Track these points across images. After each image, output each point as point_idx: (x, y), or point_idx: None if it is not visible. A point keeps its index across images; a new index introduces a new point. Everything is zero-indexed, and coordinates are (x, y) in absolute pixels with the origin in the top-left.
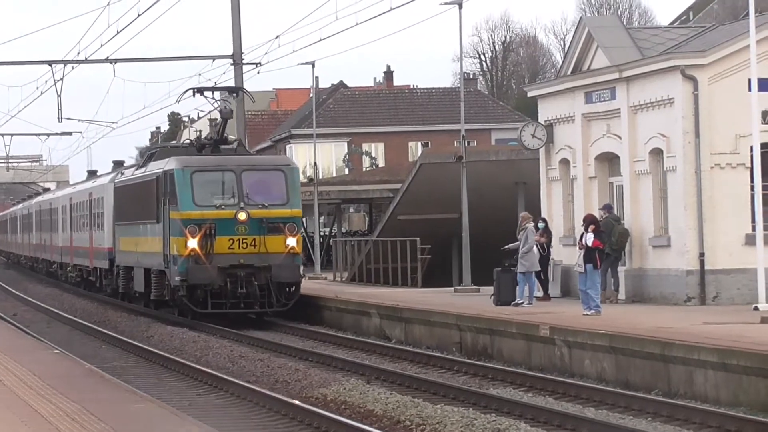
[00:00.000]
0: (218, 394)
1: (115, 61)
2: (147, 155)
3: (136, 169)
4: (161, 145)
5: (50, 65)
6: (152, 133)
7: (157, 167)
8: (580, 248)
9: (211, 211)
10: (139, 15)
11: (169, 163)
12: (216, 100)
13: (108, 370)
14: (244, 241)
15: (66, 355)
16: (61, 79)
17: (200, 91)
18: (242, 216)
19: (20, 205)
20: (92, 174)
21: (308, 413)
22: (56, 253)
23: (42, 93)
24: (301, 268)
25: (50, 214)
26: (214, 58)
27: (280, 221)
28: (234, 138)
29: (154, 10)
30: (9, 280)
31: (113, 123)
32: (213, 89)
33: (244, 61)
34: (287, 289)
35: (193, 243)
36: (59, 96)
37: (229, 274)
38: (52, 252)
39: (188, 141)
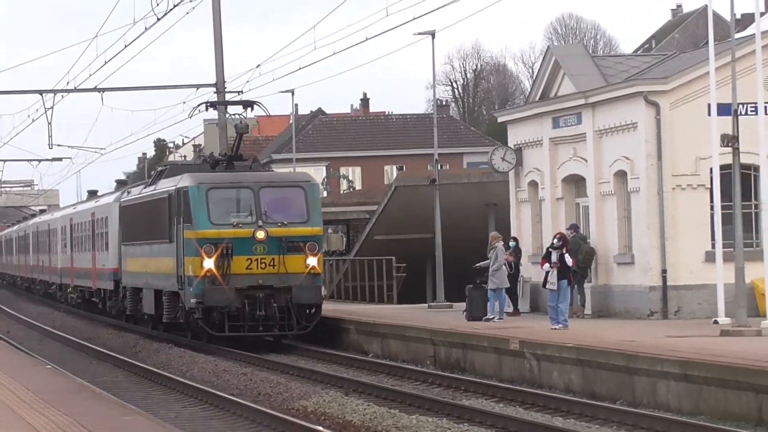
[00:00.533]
0: (203, 406)
1: (103, 90)
2: (156, 172)
3: (145, 187)
4: (171, 162)
5: (41, 94)
6: (139, 158)
7: (168, 185)
8: (552, 266)
9: (228, 230)
10: (125, 46)
11: (182, 180)
12: (230, 115)
13: (98, 384)
14: (263, 260)
15: (58, 370)
16: (52, 108)
17: (213, 105)
18: (261, 235)
19: (15, 227)
20: (93, 194)
21: (289, 424)
22: (55, 274)
23: (33, 121)
24: (322, 288)
25: (48, 235)
26: (197, 86)
27: (300, 240)
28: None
29: (141, 41)
30: (2, 300)
31: (102, 149)
32: (227, 103)
33: (226, 90)
34: (308, 310)
35: (209, 263)
36: (50, 123)
37: (247, 295)
38: (51, 273)
39: (202, 157)
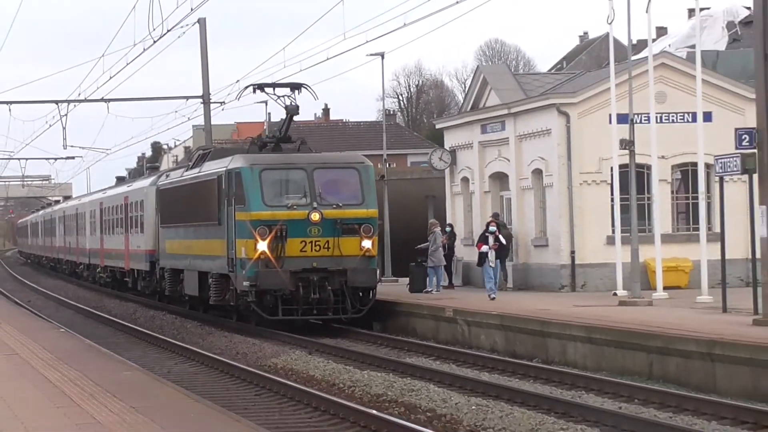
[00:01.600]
0: (191, 363)
1: (109, 100)
2: (198, 156)
3: (186, 170)
4: (214, 145)
5: (57, 104)
6: (138, 158)
7: (217, 166)
8: (491, 248)
9: (282, 212)
10: (127, 64)
11: (233, 162)
12: (278, 96)
13: (104, 345)
14: (317, 243)
15: (70, 333)
16: (66, 115)
17: (261, 87)
18: (315, 217)
19: (40, 212)
20: (121, 180)
21: (261, 378)
22: (83, 255)
23: (50, 126)
24: (378, 272)
25: (75, 219)
26: (187, 98)
27: (355, 222)
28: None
29: (140, 59)
30: (24, 275)
31: (107, 149)
32: (274, 85)
33: (211, 101)
34: (362, 294)
35: (263, 246)
36: (64, 128)
37: (301, 278)
38: (78, 254)
39: (249, 138)
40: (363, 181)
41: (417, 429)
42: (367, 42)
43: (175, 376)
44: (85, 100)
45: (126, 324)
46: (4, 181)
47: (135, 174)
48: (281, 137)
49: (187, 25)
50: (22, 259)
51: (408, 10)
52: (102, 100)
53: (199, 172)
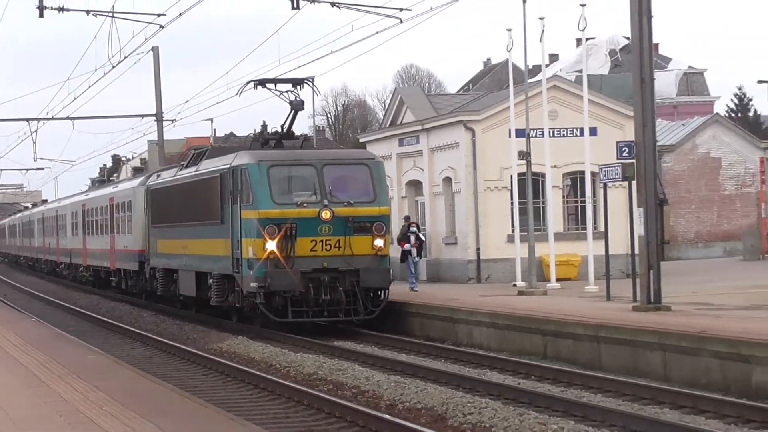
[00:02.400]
0: (147, 347)
1: (74, 118)
2: (194, 155)
3: (180, 170)
4: (214, 147)
5: (28, 121)
6: (100, 168)
7: (218, 164)
8: (413, 245)
9: (292, 210)
10: (89, 86)
11: (238, 158)
12: (280, 93)
13: (71, 333)
14: (328, 242)
15: (41, 322)
16: (36, 131)
17: (262, 83)
18: (326, 215)
19: (18, 215)
20: (102, 182)
21: (208, 360)
22: (63, 255)
23: (22, 140)
24: (390, 271)
25: (55, 220)
26: (142, 116)
27: (367, 220)
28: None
29: (101, 82)
30: (2, 272)
31: (73, 161)
32: (275, 81)
33: (163, 118)
34: (374, 294)
35: (272, 245)
36: (34, 143)
37: (312, 279)
38: (58, 254)
39: (251, 134)
40: (374, 178)
41: (343, 404)
42: (300, 66)
43: (132, 359)
44: (53, 119)
45: (90, 314)
46: None
47: (97, 182)
48: (284, 134)
49: (142, 52)
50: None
51: (335, 38)
52: (68, 118)
53: (196, 171)
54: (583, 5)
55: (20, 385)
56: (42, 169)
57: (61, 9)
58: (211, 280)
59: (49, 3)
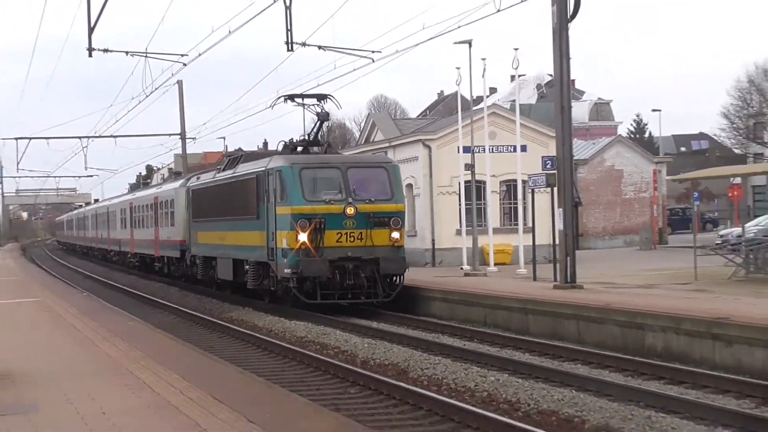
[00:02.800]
0: (173, 316)
1: (116, 136)
2: (230, 160)
3: (218, 173)
4: (247, 152)
5: (80, 139)
6: (137, 176)
7: (254, 167)
8: None
9: (320, 206)
10: (128, 111)
11: (273, 162)
12: (308, 106)
13: (114, 305)
14: (352, 234)
15: (91, 296)
16: (86, 146)
17: (291, 97)
18: (350, 210)
19: (74, 212)
20: (145, 185)
21: (221, 326)
22: (113, 244)
23: (75, 154)
24: (406, 259)
25: (106, 216)
26: (169, 135)
27: (385, 216)
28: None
29: (137, 108)
30: (60, 257)
31: (115, 170)
32: (302, 96)
33: (186, 137)
34: (392, 280)
35: (303, 237)
36: (85, 155)
37: (338, 266)
38: (109, 243)
39: (282, 142)
40: (391, 179)
41: (327, 360)
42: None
43: (162, 325)
44: (99, 136)
45: (130, 290)
46: (44, 192)
47: (134, 188)
48: (311, 141)
49: (169, 85)
50: (59, 246)
51: (321, 74)
52: (111, 136)
53: (233, 173)
54: (516, 49)
55: (75, 345)
56: (91, 176)
57: (105, 50)
58: (247, 267)
59: (96, 45)
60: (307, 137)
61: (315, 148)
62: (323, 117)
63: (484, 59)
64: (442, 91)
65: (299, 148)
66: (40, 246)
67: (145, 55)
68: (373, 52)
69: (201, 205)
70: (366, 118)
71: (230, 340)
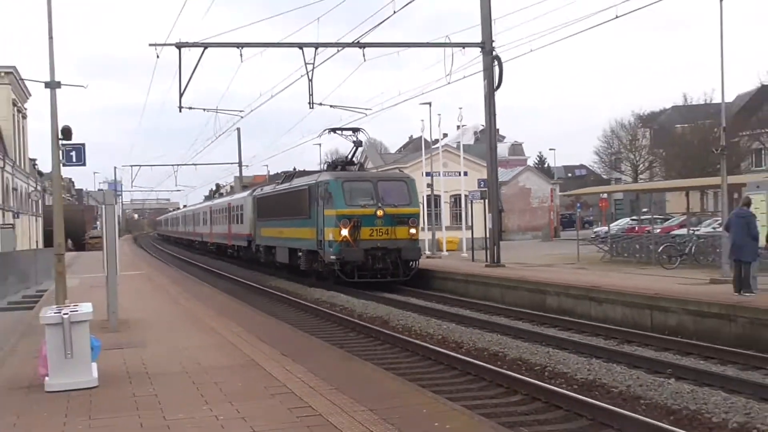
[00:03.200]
0: (233, 284)
1: (196, 164)
2: (285, 177)
3: (277, 185)
4: (298, 171)
5: (172, 166)
6: (209, 191)
7: (306, 181)
8: None
9: (358, 209)
10: (204, 147)
11: (321, 176)
12: (346, 136)
13: (194, 276)
14: (380, 230)
15: (179, 270)
16: (176, 171)
17: (333, 130)
18: (380, 213)
19: (168, 215)
20: (217, 196)
21: (264, 291)
22: (197, 236)
23: (169, 176)
24: (420, 249)
25: (192, 217)
26: (231, 163)
27: (405, 216)
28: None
29: (210, 146)
30: (160, 245)
31: (194, 187)
32: (342, 129)
33: (242, 164)
34: (409, 264)
35: (345, 232)
36: (176, 176)
37: (370, 253)
38: (194, 236)
39: (326, 163)
40: (409, 190)
41: (331, 313)
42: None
43: (226, 290)
44: (185, 164)
45: (205, 267)
46: (148, 201)
47: (208, 198)
48: (347, 162)
49: (231, 130)
50: (158, 238)
51: (331, 124)
52: (193, 164)
53: (290, 185)
54: (460, 108)
55: (168, 303)
56: (179, 190)
57: (190, 108)
58: (300, 254)
59: (184, 104)
60: (345, 159)
61: (351, 167)
62: (358, 144)
63: (439, 114)
64: (411, 135)
65: (338, 167)
66: (146, 237)
67: (216, 111)
68: (366, 109)
69: (264, 208)
70: (361, 152)
71: (270, 300)
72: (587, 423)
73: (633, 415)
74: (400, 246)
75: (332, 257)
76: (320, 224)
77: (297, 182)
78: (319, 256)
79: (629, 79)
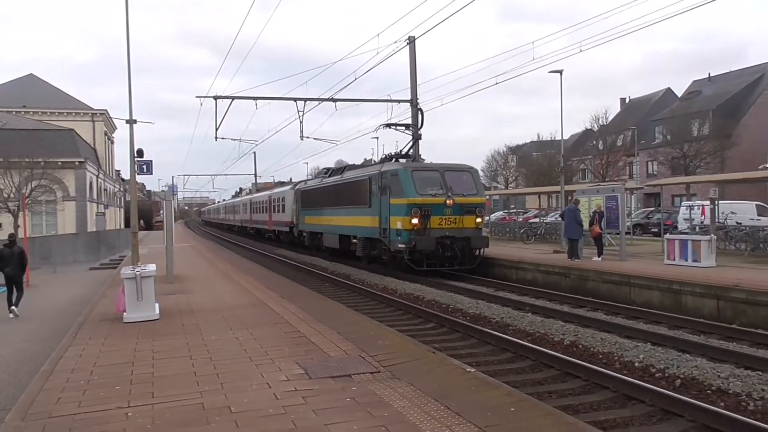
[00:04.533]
0: (270, 260)
1: (227, 174)
2: (332, 171)
3: (323, 179)
4: (348, 165)
5: (210, 176)
6: (235, 192)
7: (365, 172)
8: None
9: (429, 198)
10: (232, 164)
11: (386, 167)
12: (403, 130)
13: (228, 248)
14: (449, 219)
15: (216, 244)
16: (213, 179)
17: (389, 125)
18: (449, 202)
19: (210, 206)
20: (242, 195)
21: (302, 268)
22: (237, 222)
23: (207, 182)
24: (488, 238)
25: (233, 208)
26: (248, 174)
27: (473, 206)
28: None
29: (235, 164)
30: (206, 228)
31: (226, 189)
32: (396, 125)
33: (258, 176)
34: (476, 252)
35: (415, 220)
36: (213, 182)
37: (440, 242)
38: (234, 222)
39: (385, 155)
40: (475, 179)
41: (371, 291)
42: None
43: (265, 266)
44: (219, 174)
45: (245, 246)
46: (194, 197)
47: (235, 197)
48: (402, 155)
49: (250, 153)
50: (203, 223)
51: (315, 153)
52: (224, 174)
53: (341, 178)
54: (396, 141)
55: (207, 265)
56: (215, 191)
57: (223, 138)
58: (355, 240)
59: (219, 135)
60: (400, 152)
61: (403, 160)
62: (417, 137)
63: (383, 145)
64: (366, 158)
65: (394, 159)
66: (194, 222)
67: (239, 140)
68: (337, 141)
69: (310, 199)
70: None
71: (285, 267)
72: (476, 341)
73: (505, 336)
74: (468, 235)
75: (400, 245)
76: (384, 213)
77: (350, 174)
78: (381, 244)
79: (504, 124)
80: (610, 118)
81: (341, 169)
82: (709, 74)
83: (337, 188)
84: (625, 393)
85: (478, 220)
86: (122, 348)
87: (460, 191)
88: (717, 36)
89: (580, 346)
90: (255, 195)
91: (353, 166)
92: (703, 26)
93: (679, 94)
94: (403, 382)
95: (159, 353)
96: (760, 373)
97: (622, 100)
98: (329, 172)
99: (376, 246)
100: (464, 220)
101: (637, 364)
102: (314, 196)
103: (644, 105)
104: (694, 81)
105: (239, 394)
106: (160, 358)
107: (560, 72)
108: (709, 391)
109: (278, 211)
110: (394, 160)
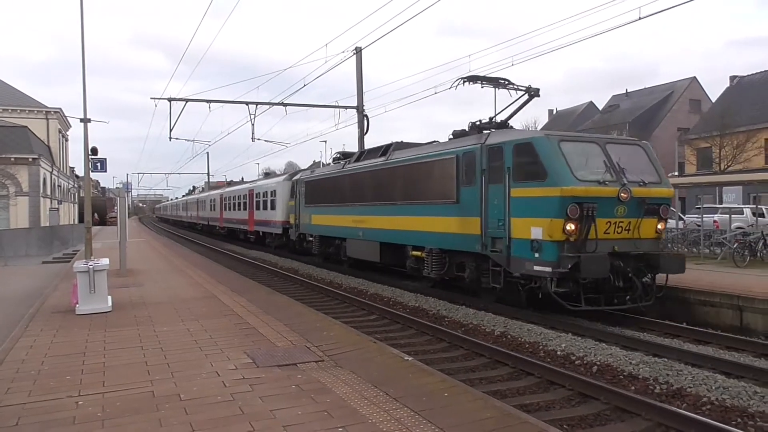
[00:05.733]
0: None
1: (180, 173)
2: (368, 152)
3: (346, 164)
4: (396, 142)
5: (164, 174)
6: (188, 190)
7: (447, 148)
8: None
9: (593, 187)
10: (185, 164)
11: (495, 137)
12: (510, 85)
13: (182, 245)
14: (620, 224)
15: (169, 239)
16: (168, 177)
17: (471, 79)
18: (624, 195)
19: (166, 203)
20: (194, 193)
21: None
22: (202, 220)
23: (161, 180)
24: (684, 258)
25: (196, 204)
26: (201, 174)
27: (656, 202)
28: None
29: (188, 164)
30: (157, 223)
31: (179, 187)
32: (482, 78)
33: (210, 174)
34: (655, 278)
35: (571, 226)
36: (167, 180)
37: (612, 264)
38: (198, 219)
39: (470, 123)
40: (652, 159)
41: (381, 307)
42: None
43: (203, 254)
44: (173, 173)
45: (209, 246)
46: (149, 195)
47: (188, 194)
48: (499, 123)
49: (203, 153)
50: (156, 220)
51: (270, 153)
52: (178, 173)
53: (386, 160)
54: (344, 144)
55: (161, 259)
56: (169, 189)
57: (177, 138)
58: (417, 252)
59: (173, 135)
60: (491, 120)
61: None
62: (534, 93)
63: (331, 148)
64: (314, 160)
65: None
66: (148, 218)
67: (193, 141)
68: (287, 143)
69: (322, 193)
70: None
71: (237, 262)
72: (414, 332)
73: (441, 327)
74: (648, 250)
75: (538, 267)
76: (494, 211)
77: (409, 154)
78: (485, 262)
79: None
80: (540, 128)
81: (387, 147)
82: (627, 90)
83: (380, 174)
84: (548, 379)
85: (661, 226)
86: (74, 339)
87: (637, 177)
88: (631, 56)
89: (509, 336)
90: (228, 189)
91: (401, 144)
92: (619, 47)
93: (600, 107)
94: (346, 370)
95: (110, 344)
96: (665, 360)
97: (550, 111)
98: (365, 153)
99: (466, 264)
100: (642, 225)
101: (559, 353)
102: (331, 187)
103: (569, 116)
104: (614, 96)
105: (189, 383)
106: (111, 349)
107: None
108: (621, 377)
109: (263, 208)
110: (483, 129)
